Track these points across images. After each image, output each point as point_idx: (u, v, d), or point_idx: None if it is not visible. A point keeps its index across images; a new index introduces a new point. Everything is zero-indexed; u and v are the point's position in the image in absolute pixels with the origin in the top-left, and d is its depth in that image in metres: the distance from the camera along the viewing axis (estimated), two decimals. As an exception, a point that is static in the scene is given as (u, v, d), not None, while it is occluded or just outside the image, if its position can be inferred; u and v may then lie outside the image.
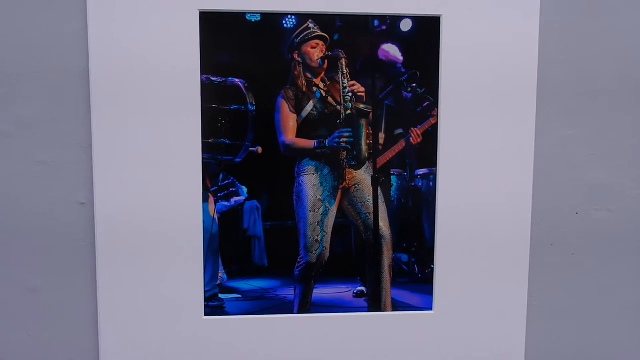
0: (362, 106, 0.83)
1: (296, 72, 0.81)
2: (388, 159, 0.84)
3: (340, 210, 0.84)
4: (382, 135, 0.83)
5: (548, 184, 0.84)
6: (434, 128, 0.82)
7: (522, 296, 0.84)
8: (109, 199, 0.78)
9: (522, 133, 0.82)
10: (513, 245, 0.83)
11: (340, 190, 0.84)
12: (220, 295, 0.83)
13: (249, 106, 0.81)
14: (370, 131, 0.83)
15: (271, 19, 0.79)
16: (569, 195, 0.85)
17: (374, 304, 0.85)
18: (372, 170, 0.84)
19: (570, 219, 0.85)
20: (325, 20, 0.80)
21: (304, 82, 0.82)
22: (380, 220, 0.84)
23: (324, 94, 0.83)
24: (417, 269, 0.85)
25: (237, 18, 0.78)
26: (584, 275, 0.87)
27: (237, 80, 0.80)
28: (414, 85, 0.82)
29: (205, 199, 0.81)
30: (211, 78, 0.79)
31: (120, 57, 0.77)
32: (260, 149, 0.82)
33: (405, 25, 0.81)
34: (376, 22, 0.81)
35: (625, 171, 0.85)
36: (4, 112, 0.77)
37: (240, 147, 0.81)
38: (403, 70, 0.82)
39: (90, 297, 0.81)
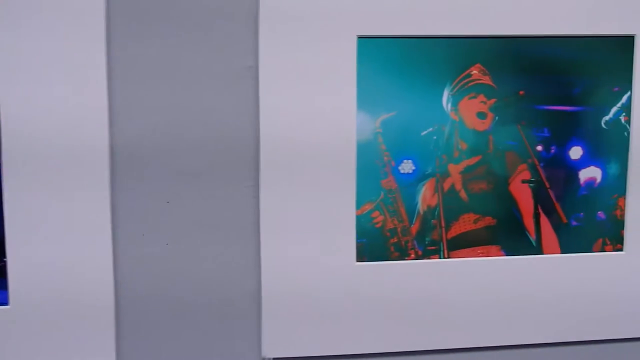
0: None
1: None
2: None
3: None
4: None
5: (133, 173, 0.83)
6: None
7: (109, 286, 0.84)
8: None
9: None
10: (95, 235, 0.82)
11: None
12: None
13: None
14: None
15: None
16: (158, 184, 0.84)
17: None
18: None
19: (161, 208, 0.85)
20: None
21: None
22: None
23: None
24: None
25: None
26: (179, 262, 0.86)
27: None
28: None
29: None
30: None
31: None
32: None
33: None
34: None
35: (211, 156, 0.84)
36: None
37: None
38: None
39: None
